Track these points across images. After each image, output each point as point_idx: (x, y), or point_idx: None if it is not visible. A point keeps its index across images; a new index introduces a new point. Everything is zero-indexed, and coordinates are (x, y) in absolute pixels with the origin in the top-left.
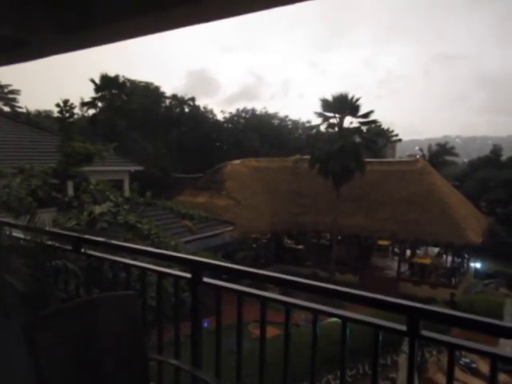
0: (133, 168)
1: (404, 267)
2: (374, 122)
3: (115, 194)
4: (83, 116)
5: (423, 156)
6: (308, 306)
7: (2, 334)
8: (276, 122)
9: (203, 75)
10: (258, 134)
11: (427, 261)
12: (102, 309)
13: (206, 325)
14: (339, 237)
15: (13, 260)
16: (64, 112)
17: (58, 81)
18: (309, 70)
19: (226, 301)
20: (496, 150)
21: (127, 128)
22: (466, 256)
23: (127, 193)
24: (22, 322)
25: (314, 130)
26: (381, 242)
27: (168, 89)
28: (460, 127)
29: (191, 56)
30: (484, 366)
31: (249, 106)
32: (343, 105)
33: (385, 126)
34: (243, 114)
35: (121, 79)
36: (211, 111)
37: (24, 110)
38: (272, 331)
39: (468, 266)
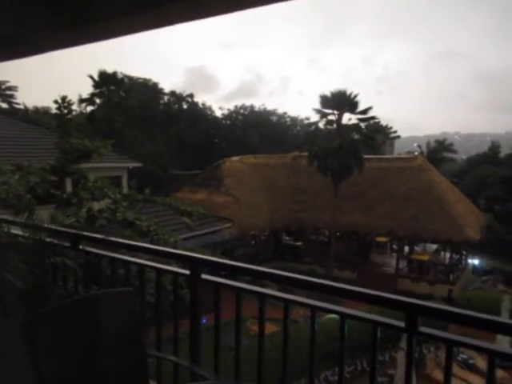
0: (131, 165)
1: (402, 264)
2: (373, 118)
3: (113, 191)
4: (81, 113)
5: (422, 153)
6: (306, 302)
7: (1, 332)
8: (274, 118)
9: (202, 72)
10: (257, 130)
11: (425, 257)
12: (101, 305)
13: (204, 321)
14: (338, 233)
15: (11, 257)
16: (62, 109)
17: (56, 77)
18: (308, 66)
19: (224, 298)
20: (494, 147)
21: (125, 125)
22: (464, 252)
23: (125, 189)
24: (22, 321)
25: (313, 127)
26: (379, 239)
27: (167, 85)
28: (459, 124)
29: (190, 53)
30: (481, 362)
31: (247, 103)
32: (342, 101)
33: (383, 122)
34: (242, 111)
35: (119, 75)
36: (210, 108)
37: (22, 107)
38: (270, 328)
39: (466, 262)
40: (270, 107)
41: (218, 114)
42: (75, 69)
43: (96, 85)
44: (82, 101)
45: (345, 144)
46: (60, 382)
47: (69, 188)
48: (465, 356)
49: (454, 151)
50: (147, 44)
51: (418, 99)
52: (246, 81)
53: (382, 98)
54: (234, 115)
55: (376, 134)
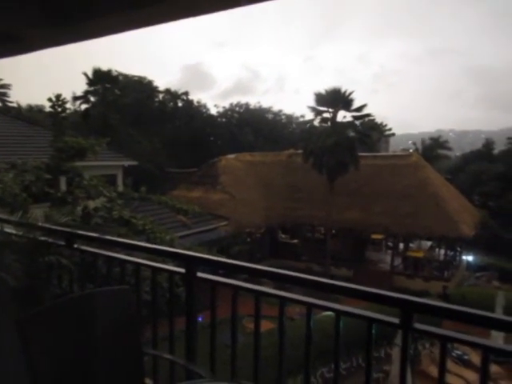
0: (126, 163)
1: (397, 261)
2: (368, 115)
3: (109, 189)
4: (75, 111)
5: (417, 150)
6: (302, 299)
7: None
8: (270, 116)
9: (198, 70)
10: (253, 128)
11: (420, 254)
12: (96, 304)
13: (200, 320)
14: (334, 231)
15: (5, 256)
16: (56, 107)
17: (50, 75)
18: (304, 64)
19: (220, 296)
20: (488, 144)
21: (120, 123)
22: (459, 249)
23: (121, 188)
24: (16, 319)
25: (308, 125)
26: (375, 236)
27: (162, 83)
28: (453, 121)
29: (186, 51)
30: (476, 358)
31: (243, 101)
32: (336, 99)
33: (378, 120)
34: (237, 109)
35: (114, 73)
36: (205, 105)
37: (15, 105)
38: (266, 325)
39: (460, 258)
40: (265, 105)
41: (214, 111)
42: (70, 67)
43: (90, 82)
44: (76, 98)
45: (340, 141)
46: (55, 381)
47: (63, 186)
48: (459, 352)
49: (449, 148)
50: (143, 42)
51: (413, 97)
52: (242, 78)
53: (377, 95)
54: (229, 113)
55: (371, 132)
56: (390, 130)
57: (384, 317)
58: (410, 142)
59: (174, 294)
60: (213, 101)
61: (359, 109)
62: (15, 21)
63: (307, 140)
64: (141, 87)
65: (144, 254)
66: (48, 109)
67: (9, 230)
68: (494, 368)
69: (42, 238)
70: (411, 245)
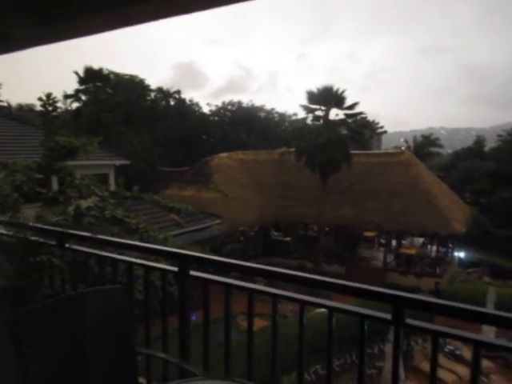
0: (118, 162)
1: (390, 258)
2: (360, 113)
3: (101, 189)
4: (66, 110)
5: (408, 147)
6: (295, 297)
7: None
8: (262, 114)
9: (191, 68)
10: (245, 126)
11: (412, 251)
12: (88, 303)
13: (194, 318)
14: (326, 228)
15: None
16: (47, 106)
17: (41, 74)
18: (296, 61)
19: (213, 295)
20: (479, 141)
21: (112, 122)
22: (451, 246)
23: (113, 187)
24: (7, 320)
25: (301, 123)
26: (367, 233)
27: (155, 81)
28: (444, 119)
29: (179, 49)
30: (468, 353)
31: (236, 99)
32: (328, 97)
33: (370, 118)
34: (229, 107)
35: (105, 72)
36: (197, 104)
37: (5, 104)
38: (260, 323)
39: (452, 255)
40: (258, 103)
41: (206, 110)
42: (61, 65)
43: (81, 81)
44: (67, 97)
45: (332, 139)
46: (47, 381)
47: (55, 186)
48: (451, 347)
49: (440, 146)
50: (135, 40)
51: (405, 94)
52: (235, 77)
53: (369, 93)
54: (221, 111)
55: (363, 130)
56: (381, 127)
57: (376, 313)
58: (401, 139)
59: (168, 292)
60: (205, 99)
61: (351, 107)
62: (3, 19)
63: (300, 138)
64: (132, 86)
65: (137, 253)
66: (39, 108)
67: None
68: (485, 363)
69: (33, 238)
70: (404, 242)
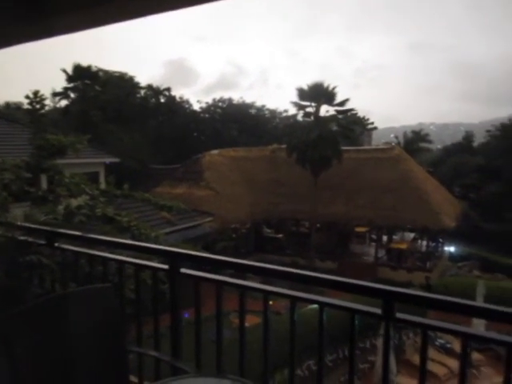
0: (108, 160)
1: (381, 253)
2: (351, 110)
3: (90, 187)
4: (55, 108)
5: (399, 143)
6: (286, 293)
7: None
8: (253, 111)
9: (181, 65)
10: (236, 123)
11: (403, 246)
12: (78, 302)
13: (186, 316)
14: (318, 225)
15: None
16: (34, 104)
17: (29, 72)
18: (287, 58)
19: (206, 292)
20: (468, 137)
21: (102, 119)
22: (441, 240)
23: (103, 185)
24: None
25: (291, 119)
26: (358, 229)
27: (146, 78)
28: (434, 115)
29: (169, 45)
30: (459, 346)
31: (227, 96)
32: (319, 93)
33: (361, 114)
34: (220, 104)
35: (94, 69)
36: (187, 101)
37: None
38: (253, 320)
39: (443, 249)
40: (249, 100)
41: (196, 107)
42: (49, 63)
43: (70, 79)
44: (55, 95)
45: (323, 136)
46: (37, 381)
47: (44, 185)
48: (442, 341)
49: (430, 141)
50: (124, 37)
51: (396, 91)
52: (226, 73)
53: (360, 89)
54: (212, 108)
55: (354, 126)
56: (372, 123)
57: (366, 307)
58: (392, 135)
59: (160, 290)
60: (196, 96)
61: (342, 103)
62: None
63: (291, 135)
64: (122, 83)
65: (128, 252)
66: (26, 106)
67: None
68: (475, 355)
69: (22, 238)
70: (394, 237)
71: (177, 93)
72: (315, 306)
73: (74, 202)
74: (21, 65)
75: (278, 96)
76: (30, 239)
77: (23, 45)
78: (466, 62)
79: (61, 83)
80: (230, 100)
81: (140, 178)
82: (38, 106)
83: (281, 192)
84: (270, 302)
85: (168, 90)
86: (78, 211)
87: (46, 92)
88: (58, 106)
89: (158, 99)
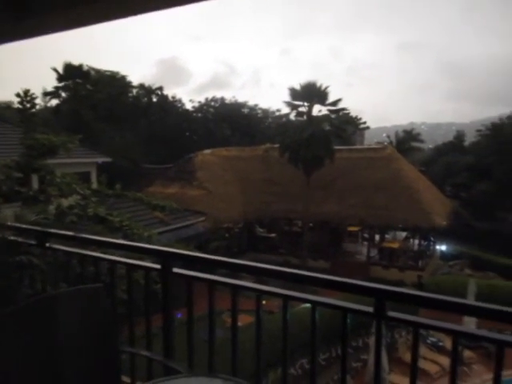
0: (100, 160)
1: (374, 252)
2: (343, 109)
3: (82, 187)
4: (46, 107)
5: (391, 143)
6: (278, 292)
7: None
8: (246, 110)
9: (173, 64)
10: (228, 123)
11: (395, 245)
12: (69, 303)
13: (179, 316)
14: (311, 224)
15: None
16: (25, 103)
17: (19, 71)
18: (279, 57)
19: (199, 292)
20: (459, 136)
21: (94, 119)
22: (432, 239)
23: (95, 185)
24: None
25: (284, 119)
26: (351, 228)
27: (138, 77)
28: (426, 114)
29: (161, 45)
30: (450, 344)
31: (219, 95)
32: (311, 93)
33: (353, 113)
34: (212, 103)
35: (85, 68)
36: (180, 100)
37: None
38: (246, 319)
39: (434, 248)
40: (242, 99)
41: (189, 106)
42: (40, 62)
43: (61, 78)
44: (46, 94)
45: (316, 135)
46: (27, 382)
47: (35, 185)
48: (434, 339)
49: (422, 141)
50: (116, 37)
51: (388, 90)
52: (218, 73)
53: (352, 88)
54: (204, 108)
55: (346, 125)
56: (364, 123)
57: (358, 306)
58: (384, 135)
59: (152, 290)
60: (189, 96)
61: (334, 103)
62: None
63: (283, 134)
64: (114, 82)
65: (120, 252)
66: (16, 105)
67: None
68: (467, 353)
69: (12, 238)
70: (387, 236)
71: (169, 92)
72: (308, 304)
73: (66, 202)
74: (10, 63)
75: (270, 95)
76: (21, 239)
77: (12, 43)
78: (457, 61)
79: (51, 82)
80: (222, 99)
81: (132, 178)
82: (28, 105)
83: (273, 191)
84: (264, 302)
85: (160, 89)
86: (69, 211)
87: (36, 91)
88: (48, 105)
89: (150, 98)
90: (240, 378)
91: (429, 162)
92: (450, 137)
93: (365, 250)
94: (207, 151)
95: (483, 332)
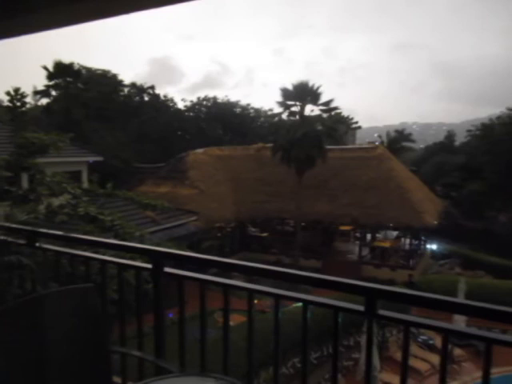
0: (91, 159)
1: (365, 251)
2: (335, 108)
3: (73, 186)
4: (36, 105)
5: (382, 142)
6: (270, 291)
7: None
8: (238, 110)
9: (166, 63)
10: (221, 122)
11: (387, 244)
12: (59, 303)
13: (171, 316)
14: (303, 223)
15: None
16: (15, 101)
17: (9, 68)
18: (272, 57)
19: (191, 293)
20: (450, 136)
21: (85, 117)
22: (423, 238)
23: (86, 184)
24: None
25: (276, 119)
26: (343, 228)
27: (130, 76)
28: (417, 114)
29: (154, 44)
30: (441, 342)
31: (212, 95)
32: (304, 93)
33: (346, 113)
34: (205, 103)
35: (76, 67)
36: (172, 99)
37: None
38: (238, 319)
39: (425, 247)
40: (234, 99)
41: (181, 105)
42: (30, 60)
43: (51, 76)
44: (36, 93)
45: (308, 135)
46: (16, 383)
47: (25, 184)
48: (425, 337)
49: (413, 141)
50: (109, 35)
51: (379, 90)
52: (211, 72)
53: (344, 88)
54: (197, 107)
55: (338, 125)
56: (356, 123)
57: (349, 305)
58: (375, 134)
59: (144, 290)
60: (181, 95)
61: (327, 103)
62: None
63: (276, 134)
64: (105, 81)
65: (111, 252)
66: (6, 103)
67: None
68: (457, 351)
69: (1, 238)
70: (378, 235)
71: (161, 91)
72: (301, 304)
73: (56, 202)
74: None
75: (263, 95)
76: (10, 239)
77: (1, 41)
78: (448, 62)
79: (42, 81)
80: (214, 99)
81: (124, 177)
82: (18, 104)
83: (266, 191)
84: (255, 301)
85: (152, 88)
86: (59, 210)
87: (26, 89)
88: (39, 103)
89: (142, 97)
90: (232, 377)
91: (420, 162)
92: (440, 137)
93: (357, 249)
94: (199, 150)
95: (472, 330)
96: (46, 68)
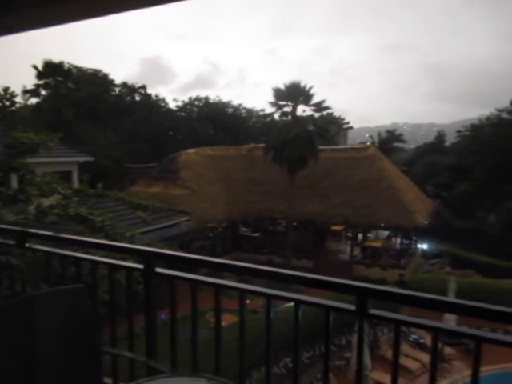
0: (82, 159)
1: (357, 251)
2: (327, 108)
3: (63, 186)
4: (26, 105)
5: (373, 143)
6: (261, 291)
7: None
8: (230, 110)
9: (157, 63)
10: (213, 122)
11: (378, 244)
12: (49, 304)
13: (163, 316)
14: (295, 223)
15: None
16: (4, 100)
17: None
18: (264, 57)
19: (183, 293)
20: (440, 137)
21: (75, 117)
22: (414, 238)
23: (76, 184)
24: None
25: (268, 119)
26: (334, 227)
27: (121, 76)
28: (408, 115)
29: (145, 43)
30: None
31: (204, 95)
32: (296, 93)
33: (337, 113)
34: (196, 103)
35: (66, 66)
36: (163, 99)
37: None
38: (230, 319)
39: (416, 247)
40: (226, 99)
41: (173, 105)
42: (20, 58)
43: (40, 75)
44: (26, 92)
45: (300, 135)
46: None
47: (15, 184)
48: (416, 336)
49: (404, 141)
50: (100, 35)
51: (370, 90)
52: (203, 72)
53: (336, 89)
54: (188, 107)
55: (330, 125)
56: (348, 123)
57: (341, 304)
58: (367, 135)
59: (135, 291)
60: (173, 95)
61: (319, 104)
62: None
63: (268, 134)
64: (96, 80)
65: (102, 252)
66: None
67: None
68: (447, 350)
69: None
70: (369, 235)
71: (153, 91)
72: (293, 303)
73: (46, 202)
74: None
75: (255, 95)
76: None
77: None
78: (439, 63)
79: (32, 80)
80: (206, 99)
81: (115, 177)
82: (8, 103)
83: (258, 191)
84: (247, 301)
85: (143, 87)
86: (49, 211)
87: (16, 88)
88: (28, 103)
89: (133, 97)
90: (224, 377)
91: (411, 162)
92: (431, 137)
93: (348, 249)
94: (191, 150)
95: (462, 328)
96: (35, 67)
